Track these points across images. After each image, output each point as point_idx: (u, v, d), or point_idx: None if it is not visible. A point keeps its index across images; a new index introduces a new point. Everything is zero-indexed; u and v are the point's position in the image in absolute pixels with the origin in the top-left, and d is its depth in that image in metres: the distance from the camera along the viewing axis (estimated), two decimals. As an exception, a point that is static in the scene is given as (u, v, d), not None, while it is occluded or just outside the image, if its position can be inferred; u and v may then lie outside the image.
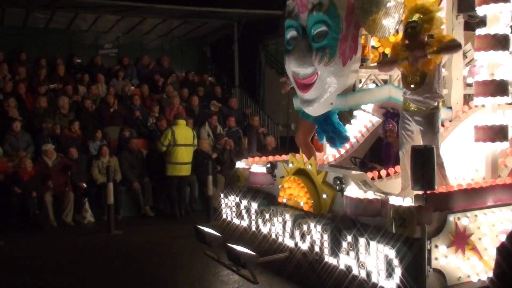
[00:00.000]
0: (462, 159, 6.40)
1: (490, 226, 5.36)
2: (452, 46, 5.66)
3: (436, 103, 5.82)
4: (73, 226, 9.87)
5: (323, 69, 6.35)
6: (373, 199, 5.44)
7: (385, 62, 6.16)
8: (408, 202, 5.04)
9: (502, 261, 2.42)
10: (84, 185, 9.99)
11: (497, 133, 5.68)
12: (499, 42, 5.63)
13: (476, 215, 5.31)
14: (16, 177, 9.60)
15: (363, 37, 6.62)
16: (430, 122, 5.83)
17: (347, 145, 7.74)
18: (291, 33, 6.75)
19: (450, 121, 6.82)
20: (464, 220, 5.21)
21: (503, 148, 5.95)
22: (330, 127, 7.08)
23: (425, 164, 4.99)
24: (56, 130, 10.91)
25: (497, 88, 5.66)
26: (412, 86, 5.77)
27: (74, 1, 13.00)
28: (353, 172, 6.09)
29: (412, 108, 5.88)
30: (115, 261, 7.61)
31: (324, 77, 6.39)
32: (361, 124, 8.11)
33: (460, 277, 5.21)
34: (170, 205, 10.77)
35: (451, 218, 5.17)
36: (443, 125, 6.77)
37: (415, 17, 5.63)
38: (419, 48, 5.58)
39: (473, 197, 5.32)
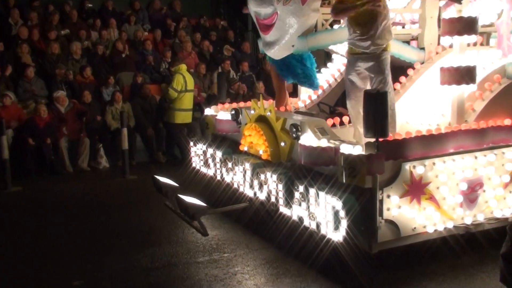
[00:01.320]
0: (431, 103, 6.01)
1: (449, 174, 5.04)
2: None
3: (384, 45, 5.42)
4: (89, 172, 9.94)
5: (282, 8, 5.92)
6: (327, 147, 5.12)
7: (342, 8, 5.64)
8: (358, 150, 4.72)
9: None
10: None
11: (463, 75, 5.26)
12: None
13: (434, 163, 4.98)
14: (32, 124, 9.58)
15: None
16: (379, 65, 5.44)
17: (318, 90, 7.36)
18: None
19: (422, 63, 6.40)
20: (420, 169, 4.89)
21: (471, 91, 5.54)
22: (296, 70, 6.69)
23: (377, 110, 4.63)
24: (69, 76, 10.85)
25: (464, 26, 5.20)
26: (359, 28, 5.38)
27: None
28: (311, 118, 5.74)
29: (359, 51, 5.48)
30: (131, 205, 7.61)
31: (284, 17, 5.97)
32: (335, 68, 7.69)
33: (415, 227, 4.94)
34: (180, 151, 10.52)
35: (406, 166, 4.85)
36: (413, 68, 6.37)
37: None
38: None
39: (431, 144, 4.98)
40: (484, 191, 5.29)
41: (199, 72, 11.86)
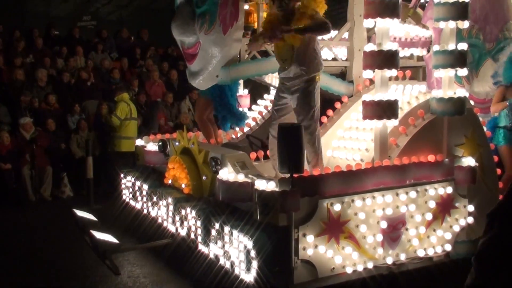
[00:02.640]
0: (357, 138, 5.88)
1: (369, 212, 4.88)
2: (320, 30, 5.15)
3: (311, 75, 5.28)
4: (52, 201, 9.57)
5: (204, 38, 5.76)
6: (244, 182, 4.91)
7: (255, 41, 5.51)
8: (271, 186, 4.52)
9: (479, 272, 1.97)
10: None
11: (385, 110, 5.14)
12: (387, 8, 5.05)
13: (353, 200, 4.82)
14: (-7, 151, 9.23)
15: (251, 3, 6.01)
16: (305, 96, 5.29)
17: (252, 122, 7.18)
18: (179, -1, 6.13)
19: (351, 96, 6.30)
20: (338, 206, 4.72)
21: (394, 126, 5.43)
22: (225, 104, 6.51)
23: (292, 144, 4.47)
24: (34, 104, 10.49)
25: (384, 59, 5.10)
26: (284, 61, 5.24)
27: None
28: (232, 151, 5.53)
29: (287, 81, 5.34)
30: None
31: (206, 47, 5.80)
32: (270, 100, 7.53)
33: (333, 268, 4.74)
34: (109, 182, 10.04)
35: (323, 204, 4.68)
36: (341, 102, 6.26)
37: None
38: (292, 16, 5.06)
39: (350, 180, 4.82)
40: (406, 229, 5.15)
41: (166, 101, 11.71)
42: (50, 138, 9.97)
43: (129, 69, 13.15)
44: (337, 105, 6.17)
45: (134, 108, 10.17)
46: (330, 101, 6.19)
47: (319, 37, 5.57)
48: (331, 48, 6.62)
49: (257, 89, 8.03)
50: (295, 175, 4.48)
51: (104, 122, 10.32)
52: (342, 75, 6.54)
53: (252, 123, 7.19)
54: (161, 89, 12.20)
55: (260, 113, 7.33)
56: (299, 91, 5.34)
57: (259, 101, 7.76)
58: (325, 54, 6.53)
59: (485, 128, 6.12)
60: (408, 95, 5.95)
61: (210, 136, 6.88)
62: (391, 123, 5.27)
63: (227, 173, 5.12)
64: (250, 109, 7.73)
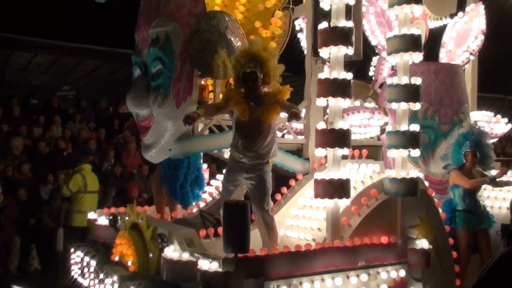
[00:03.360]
0: (309, 217, 5.75)
1: (318, 295, 4.67)
2: (296, 116, 5.13)
3: (269, 157, 5.22)
4: (17, 274, 9.17)
5: (157, 111, 5.70)
6: (188, 261, 4.69)
7: (214, 106, 5.50)
8: (215, 266, 4.32)
9: None
10: None
11: (336, 189, 5.06)
12: (339, 88, 5.09)
13: (301, 283, 4.62)
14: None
15: (206, 78, 6.02)
16: (261, 177, 5.19)
17: (207, 197, 7.01)
18: (136, 71, 6.11)
19: (306, 174, 6.22)
20: (285, 289, 4.51)
21: (347, 206, 5.34)
22: (181, 176, 6.34)
23: (237, 222, 4.32)
24: (7, 172, 10.23)
25: (336, 138, 5.08)
26: (246, 138, 5.17)
27: (33, 41, 12.51)
28: (180, 228, 5.34)
29: (243, 160, 5.25)
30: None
31: (160, 120, 5.74)
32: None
33: None
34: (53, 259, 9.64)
35: (270, 286, 4.47)
36: (296, 179, 6.17)
37: (253, 66, 5.09)
38: (260, 100, 5.08)
39: (298, 261, 4.65)
40: (358, 314, 4.94)
41: (142, 173, 11.51)
42: (20, 209, 9.63)
43: (106, 139, 13.04)
44: (292, 182, 6.08)
45: (92, 181, 9.86)
46: (284, 178, 6.10)
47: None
48: (287, 125, 6.61)
49: (216, 163, 7.94)
50: (239, 255, 4.30)
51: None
52: (299, 152, 6.50)
53: (209, 199, 7.03)
54: (137, 161, 11.99)
55: (217, 188, 7.18)
56: (254, 171, 5.23)
57: (218, 176, 7.63)
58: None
59: (440, 210, 6.06)
60: (362, 174, 5.89)
61: (163, 210, 6.67)
62: (342, 203, 5.18)
63: (172, 251, 4.90)
64: (208, 183, 7.59)
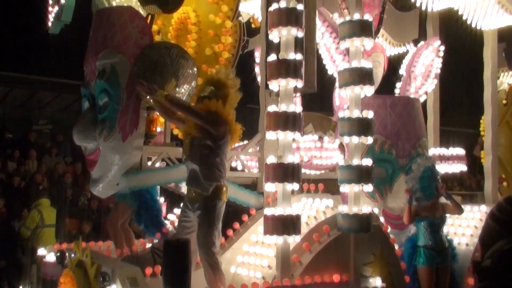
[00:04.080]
0: (260, 254, 5.56)
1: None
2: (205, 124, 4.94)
3: (213, 186, 5.00)
4: None
5: (103, 144, 5.51)
6: (129, 302, 4.46)
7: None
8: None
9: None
10: None
11: (286, 225, 4.90)
12: (289, 121, 4.97)
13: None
14: None
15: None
16: (205, 211, 4.97)
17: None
18: (85, 104, 5.94)
19: (260, 208, 6.05)
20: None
21: (297, 243, 5.17)
22: (148, 210, 6.13)
23: (177, 262, 4.11)
24: None
25: (286, 172, 4.94)
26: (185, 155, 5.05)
27: (8, 76, 12.28)
28: (125, 266, 5.10)
29: (192, 194, 5.05)
30: None
31: (106, 153, 5.54)
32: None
33: None
34: None
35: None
36: (249, 214, 5.99)
37: (209, 90, 4.97)
38: None
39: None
40: None
41: None
42: None
43: (83, 173, 12.66)
44: (244, 217, 5.90)
45: (50, 215, 9.56)
46: (237, 213, 5.92)
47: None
48: (241, 159, 6.48)
49: (173, 197, 7.71)
50: (179, 296, 4.09)
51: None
52: (254, 185, 6.34)
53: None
54: (112, 196, 11.74)
55: (172, 223, 6.96)
56: (202, 208, 5.02)
57: (175, 210, 7.42)
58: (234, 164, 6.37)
59: (396, 246, 5.93)
60: (316, 210, 5.75)
61: (121, 246, 6.41)
62: (292, 239, 5.01)
63: (113, 291, 4.66)
64: (165, 218, 7.36)
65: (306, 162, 6.63)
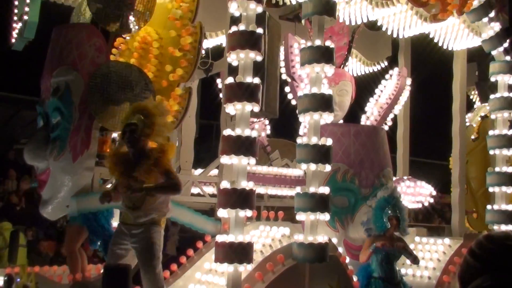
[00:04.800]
0: (212, 283, 5.37)
1: None
2: (171, 192, 4.79)
3: (158, 216, 4.81)
4: None
5: (53, 164, 5.34)
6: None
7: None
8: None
9: None
10: None
11: (237, 253, 4.73)
12: (243, 146, 4.85)
13: None
14: None
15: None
16: (148, 240, 4.75)
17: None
18: (40, 122, 5.78)
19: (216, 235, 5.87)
20: None
21: (249, 272, 5.00)
22: (102, 232, 5.90)
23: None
24: None
25: (239, 199, 4.79)
26: (131, 206, 4.78)
27: None
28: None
29: (131, 221, 4.81)
30: None
31: (56, 174, 5.37)
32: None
33: None
34: None
35: None
36: (204, 241, 5.82)
37: (135, 118, 4.71)
38: (143, 155, 4.70)
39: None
40: None
41: None
42: None
43: None
44: (199, 244, 5.71)
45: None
46: (191, 239, 5.75)
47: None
48: (198, 184, 6.34)
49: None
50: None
51: None
52: (212, 212, 6.18)
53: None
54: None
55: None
56: (142, 236, 4.80)
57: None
58: (192, 189, 6.22)
59: (355, 277, 5.77)
60: (271, 238, 5.59)
61: (75, 271, 6.16)
62: (243, 268, 4.83)
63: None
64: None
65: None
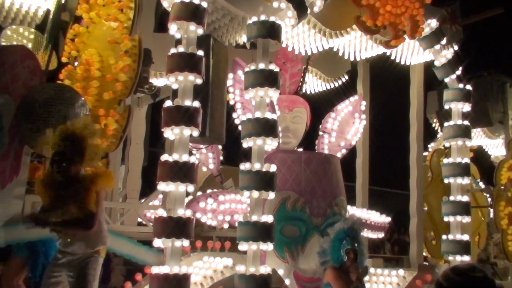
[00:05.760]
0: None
1: None
2: (80, 227, 4.34)
3: (94, 244, 4.52)
4: None
5: (-19, 191, 5.01)
6: None
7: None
8: None
9: None
10: None
11: (172, 285, 4.47)
12: (180, 172, 4.63)
13: None
14: None
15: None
16: (83, 271, 4.45)
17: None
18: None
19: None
20: None
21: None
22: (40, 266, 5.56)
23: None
24: None
25: (175, 228, 4.55)
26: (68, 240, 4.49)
27: None
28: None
29: (67, 249, 4.51)
30: None
31: (-17, 201, 5.04)
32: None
33: None
34: None
35: None
36: (143, 273, 5.52)
37: (63, 146, 4.35)
38: (74, 184, 4.39)
39: None
40: None
41: None
42: None
43: None
44: (138, 276, 5.42)
45: None
46: (132, 271, 5.46)
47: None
48: (140, 214, 6.08)
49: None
50: None
51: None
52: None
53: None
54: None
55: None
56: (76, 264, 4.50)
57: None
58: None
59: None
60: (213, 269, 5.34)
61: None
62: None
63: None
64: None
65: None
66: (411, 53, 7.36)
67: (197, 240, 6.31)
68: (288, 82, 7.46)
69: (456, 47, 7.19)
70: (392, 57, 7.37)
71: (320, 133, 7.28)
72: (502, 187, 9.51)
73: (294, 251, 6.17)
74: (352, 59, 7.35)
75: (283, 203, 6.16)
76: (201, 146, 6.46)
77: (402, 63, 7.45)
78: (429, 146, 11.54)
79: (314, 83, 9.05)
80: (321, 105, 8.64)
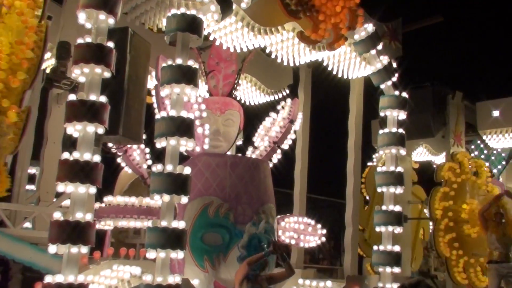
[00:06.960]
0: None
1: None
2: None
3: None
4: None
5: None
6: None
7: None
8: None
9: None
10: None
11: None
12: (82, 172, 4.25)
13: None
14: None
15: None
16: None
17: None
18: None
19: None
20: None
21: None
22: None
23: None
24: None
25: (74, 232, 4.16)
26: None
27: None
28: None
29: None
30: None
31: None
32: None
33: None
34: None
35: None
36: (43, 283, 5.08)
37: None
38: None
39: None
40: None
41: None
42: None
43: None
44: (38, 286, 4.97)
45: None
46: (31, 279, 5.02)
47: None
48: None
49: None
50: None
51: None
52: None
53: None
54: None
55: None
56: None
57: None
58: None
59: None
60: (119, 279, 4.95)
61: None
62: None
63: None
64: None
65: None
66: (352, 68, 7.13)
67: (121, 248, 5.94)
68: (221, 83, 7.12)
69: (394, 65, 7.04)
70: (334, 72, 7.13)
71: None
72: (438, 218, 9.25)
73: (215, 259, 5.81)
74: (292, 64, 7.05)
75: (204, 209, 5.83)
76: (122, 146, 6.06)
77: (344, 77, 7.23)
78: (373, 156, 11.44)
79: (253, 94, 8.80)
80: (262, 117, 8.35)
